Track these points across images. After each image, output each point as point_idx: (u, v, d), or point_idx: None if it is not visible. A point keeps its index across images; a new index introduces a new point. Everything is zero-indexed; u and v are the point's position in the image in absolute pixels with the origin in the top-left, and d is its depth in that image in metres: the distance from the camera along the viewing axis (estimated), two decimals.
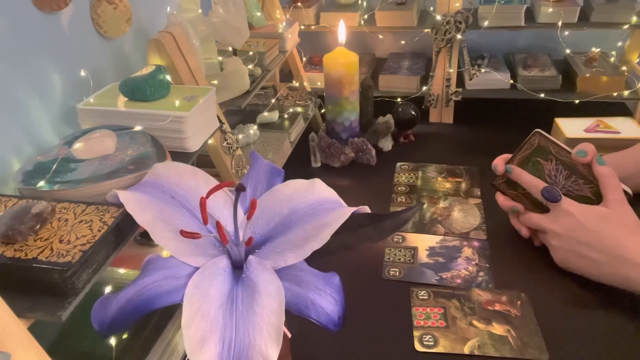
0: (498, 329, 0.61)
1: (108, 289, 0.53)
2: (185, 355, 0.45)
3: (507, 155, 0.74)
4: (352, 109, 0.97)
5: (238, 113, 1.01)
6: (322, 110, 1.05)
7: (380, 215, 0.49)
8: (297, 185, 0.51)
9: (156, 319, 0.55)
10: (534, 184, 0.69)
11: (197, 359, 0.37)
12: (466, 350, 0.58)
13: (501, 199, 0.74)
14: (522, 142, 0.72)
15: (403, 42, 1.31)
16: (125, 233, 0.48)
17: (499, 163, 0.74)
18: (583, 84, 1.06)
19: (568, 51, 1.12)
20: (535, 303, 0.64)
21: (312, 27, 1.18)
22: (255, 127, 0.95)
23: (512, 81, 1.09)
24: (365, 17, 1.15)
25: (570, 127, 0.95)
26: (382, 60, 1.28)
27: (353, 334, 0.61)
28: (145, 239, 0.66)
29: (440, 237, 0.77)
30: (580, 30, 1.06)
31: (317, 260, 0.45)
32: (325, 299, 0.43)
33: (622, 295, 0.62)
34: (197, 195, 0.47)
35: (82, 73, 0.69)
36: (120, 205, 0.46)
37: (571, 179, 0.68)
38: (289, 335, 0.52)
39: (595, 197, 0.67)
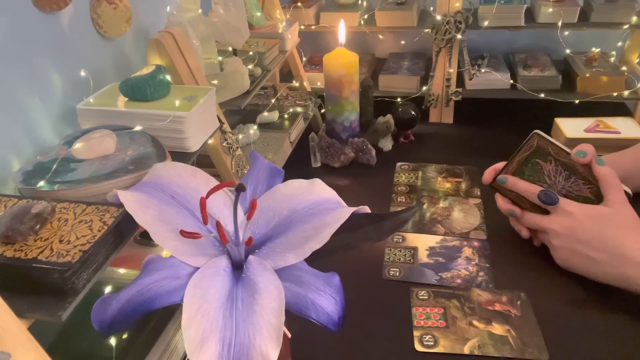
0: (498, 329, 0.61)
1: (108, 289, 0.53)
2: (185, 355, 0.45)
3: (499, 166, 0.74)
4: (352, 109, 0.97)
5: (238, 113, 1.01)
6: (322, 110, 1.05)
7: (380, 215, 0.49)
8: (297, 185, 0.51)
9: (156, 319, 0.55)
10: (529, 190, 0.69)
11: (197, 359, 0.37)
12: (466, 350, 0.58)
13: (500, 202, 0.74)
14: (521, 143, 0.72)
15: (403, 42, 1.31)
16: (125, 233, 0.48)
17: (486, 174, 0.75)
18: (583, 84, 1.06)
19: (568, 51, 1.12)
20: (535, 303, 0.64)
21: (312, 27, 1.18)
22: (255, 127, 0.95)
23: (512, 81, 1.09)
24: (365, 17, 1.15)
25: (570, 127, 0.95)
26: (382, 60, 1.28)
27: (353, 334, 0.61)
28: (145, 239, 0.66)
29: (440, 237, 0.77)
30: (580, 30, 1.06)
31: (317, 260, 0.45)
32: (325, 299, 0.43)
33: (623, 295, 0.62)
34: (197, 195, 0.47)
35: (82, 73, 0.69)
36: (120, 205, 0.46)
37: (571, 179, 0.68)
38: (289, 335, 0.52)
39: (595, 198, 0.67)
